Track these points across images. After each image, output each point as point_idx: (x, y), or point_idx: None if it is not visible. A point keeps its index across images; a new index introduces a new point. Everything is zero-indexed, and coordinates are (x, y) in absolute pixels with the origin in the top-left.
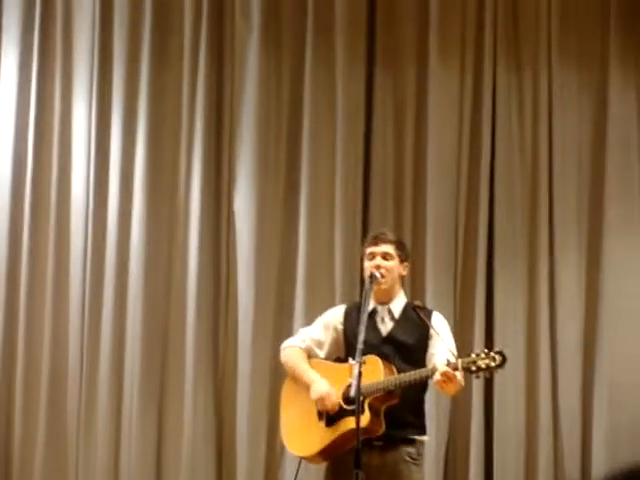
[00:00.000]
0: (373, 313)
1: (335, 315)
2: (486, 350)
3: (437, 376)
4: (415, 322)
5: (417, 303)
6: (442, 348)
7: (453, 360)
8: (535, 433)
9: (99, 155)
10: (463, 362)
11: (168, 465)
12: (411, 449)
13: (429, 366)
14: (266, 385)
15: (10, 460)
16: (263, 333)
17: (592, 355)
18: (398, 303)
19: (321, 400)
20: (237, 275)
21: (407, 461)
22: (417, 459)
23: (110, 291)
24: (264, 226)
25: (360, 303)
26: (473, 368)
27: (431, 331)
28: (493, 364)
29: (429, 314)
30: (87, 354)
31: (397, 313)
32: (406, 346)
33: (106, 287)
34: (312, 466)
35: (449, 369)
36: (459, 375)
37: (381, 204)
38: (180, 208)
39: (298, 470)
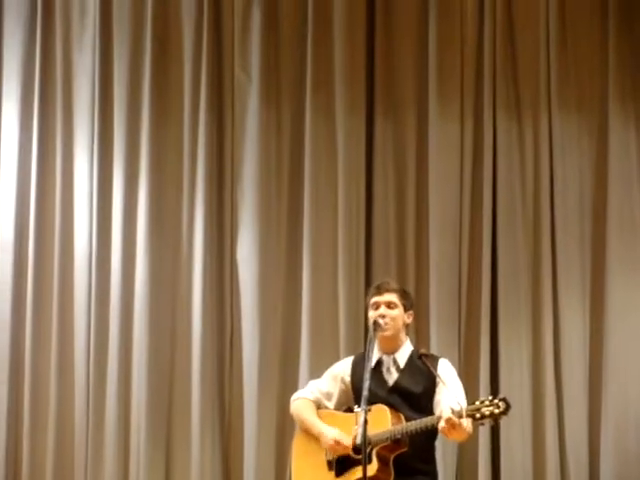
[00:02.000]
0: (379, 363)
1: (343, 367)
2: (490, 397)
3: (442, 424)
4: (421, 370)
5: (423, 351)
6: (448, 395)
7: (457, 408)
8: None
9: (101, 209)
10: (467, 410)
11: None
12: None
13: (436, 414)
14: (272, 439)
15: None
16: (268, 385)
17: (598, 398)
18: (403, 352)
19: (333, 446)
20: (241, 326)
21: None
22: None
23: (115, 345)
24: (267, 276)
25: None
26: (477, 415)
27: (437, 379)
28: (497, 411)
29: (435, 361)
30: (93, 407)
31: (403, 362)
32: (413, 395)
33: (111, 342)
34: None
35: (453, 417)
36: (465, 422)
37: (384, 255)
38: (183, 260)
39: None
